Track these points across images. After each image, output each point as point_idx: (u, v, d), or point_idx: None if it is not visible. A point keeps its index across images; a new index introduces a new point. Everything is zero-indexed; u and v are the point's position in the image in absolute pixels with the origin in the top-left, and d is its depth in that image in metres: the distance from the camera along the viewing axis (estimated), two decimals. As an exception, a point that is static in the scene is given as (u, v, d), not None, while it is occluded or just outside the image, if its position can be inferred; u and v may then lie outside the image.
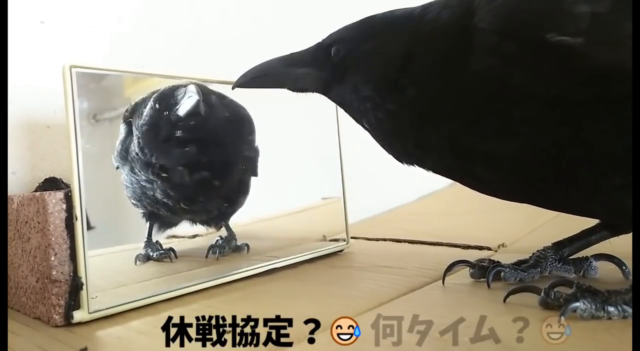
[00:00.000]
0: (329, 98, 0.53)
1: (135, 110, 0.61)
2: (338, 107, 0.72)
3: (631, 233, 0.42)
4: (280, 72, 0.53)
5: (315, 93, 0.54)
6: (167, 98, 0.61)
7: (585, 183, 0.41)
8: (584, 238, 0.53)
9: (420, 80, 0.45)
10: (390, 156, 0.50)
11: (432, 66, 0.44)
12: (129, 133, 0.61)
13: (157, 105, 0.60)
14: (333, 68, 0.51)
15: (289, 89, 0.54)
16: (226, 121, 0.67)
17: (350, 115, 0.52)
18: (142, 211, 0.64)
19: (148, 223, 0.65)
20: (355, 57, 0.49)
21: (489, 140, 0.42)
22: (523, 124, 0.40)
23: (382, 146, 0.50)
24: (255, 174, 0.70)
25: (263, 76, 0.53)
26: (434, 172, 0.49)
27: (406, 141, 0.47)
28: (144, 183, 0.62)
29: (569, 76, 0.38)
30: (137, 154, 0.60)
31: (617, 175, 0.39)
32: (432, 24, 0.45)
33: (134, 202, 0.63)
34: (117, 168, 0.61)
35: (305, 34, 1.00)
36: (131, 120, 0.61)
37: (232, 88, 0.55)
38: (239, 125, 0.68)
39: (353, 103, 0.49)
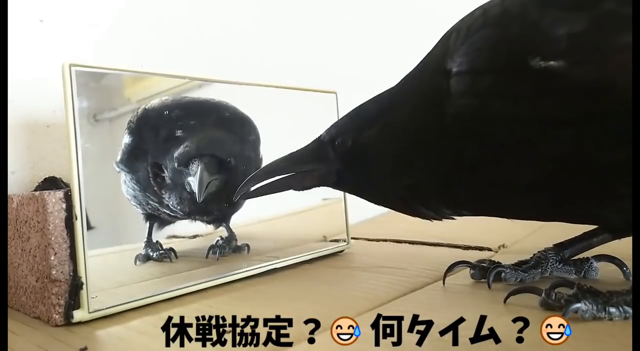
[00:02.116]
0: (339, 189, 0.56)
1: (149, 121, 0.61)
2: (339, 109, 0.72)
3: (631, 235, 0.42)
4: (286, 171, 0.54)
5: (321, 187, 0.56)
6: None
7: (592, 195, 0.41)
8: (585, 240, 0.53)
9: (412, 157, 0.47)
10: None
11: (417, 139, 0.47)
12: (136, 144, 0.61)
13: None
14: (341, 160, 0.53)
15: (295, 189, 0.55)
16: (226, 121, 0.67)
17: (368, 200, 0.54)
18: (142, 212, 0.64)
19: (148, 223, 0.65)
20: (362, 145, 0.51)
21: (494, 173, 0.43)
22: (513, 149, 0.41)
23: (415, 216, 0.51)
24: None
25: (269, 182, 0.55)
26: (472, 214, 0.50)
27: (432, 205, 0.49)
28: (149, 194, 0.62)
29: (555, 97, 0.38)
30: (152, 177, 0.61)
31: (622, 184, 0.39)
32: (411, 90, 0.49)
33: (135, 204, 0.63)
34: (119, 172, 0.61)
35: (305, 33, 1.01)
36: (140, 130, 0.61)
37: (234, 200, 0.56)
38: (238, 125, 0.68)
39: (371, 191, 0.52)
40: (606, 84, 0.37)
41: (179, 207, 0.64)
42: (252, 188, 0.55)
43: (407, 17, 1.24)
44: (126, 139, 0.61)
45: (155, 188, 0.62)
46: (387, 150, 0.49)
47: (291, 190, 0.55)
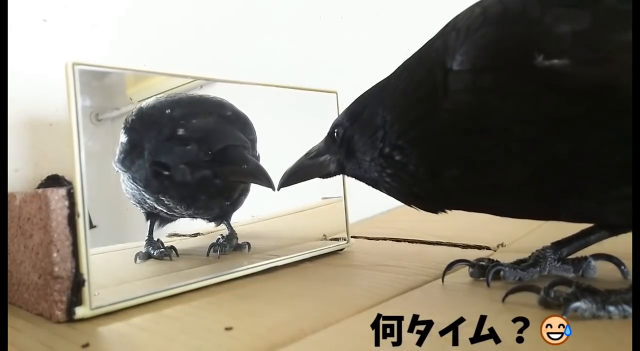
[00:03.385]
0: (347, 175, 0.59)
1: (145, 121, 0.61)
2: (339, 109, 0.73)
3: (629, 233, 0.43)
4: (307, 165, 0.59)
5: (340, 175, 0.61)
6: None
7: (596, 195, 0.41)
8: (583, 238, 0.53)
9: (399, 146, 0.48)
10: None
11: (408, 128, 0.47)
12: (134, 143, 0.61)
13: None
14: (340, 149, 0.56)
15: (320, 177, 0.60)
16: (227, 121, 0.67)
17: (369, 185, 0.55)
18: (142, 210, 0.65)
19: (149, 221, 0.66)
20: (350, 136, 0.54)
21: (487, 171, 0.43)
22: (515, 148, 0.41)
23: (407, 204, 0.53)
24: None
25: (298, 172, 0.60)
26: (464, 210, 0.51)
27: (420, 194, 0.50)
28: (145, 194, 0.62)
29: (558, 96, 0.38)
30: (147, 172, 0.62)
31: (626, 184, 0.39)
32: (405, 86, 0.49)
33: (134, 203, 0.64)
34: (117, 172, 0.62)
35: (306, 32, 1.01)
36: (138, 129, 0.61)
37: (278, 189, 0.62)
38: (239, 125, 0.68)
39: (365, 176, 0.54)
40: (611, 82, 0.36)
41: (179, 205, 0.64)
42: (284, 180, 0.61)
43: (407, 17, 1.24)
44: (123, 138, 0.61)
45: (156, 187, 0.62)
46: (369, 142, 0.51)
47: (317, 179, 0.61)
